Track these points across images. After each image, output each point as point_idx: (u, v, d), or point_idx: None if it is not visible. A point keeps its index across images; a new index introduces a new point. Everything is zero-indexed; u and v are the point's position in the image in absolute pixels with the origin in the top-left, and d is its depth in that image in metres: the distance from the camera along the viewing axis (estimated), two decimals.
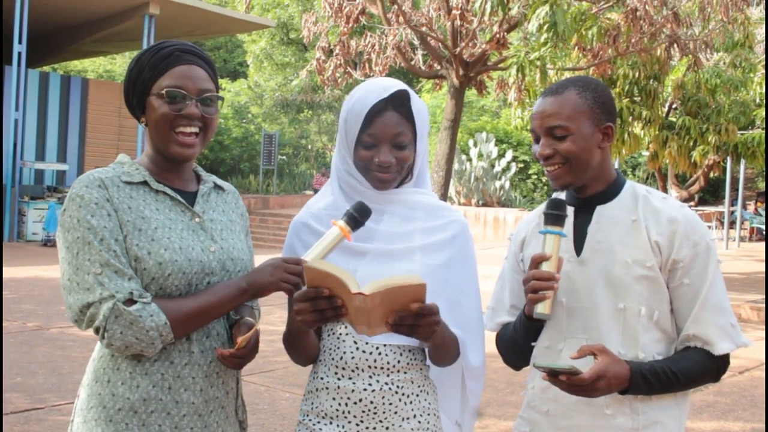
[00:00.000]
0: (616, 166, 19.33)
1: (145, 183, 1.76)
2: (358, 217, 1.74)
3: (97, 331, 1.64)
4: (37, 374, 5.92)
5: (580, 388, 1.69)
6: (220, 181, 1.95)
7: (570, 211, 1.93)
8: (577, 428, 1.85)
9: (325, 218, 1.88)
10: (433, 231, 1.88)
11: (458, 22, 9.63)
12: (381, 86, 1.82)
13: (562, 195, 1.94)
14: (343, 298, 1.58)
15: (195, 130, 1.78)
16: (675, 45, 10.46)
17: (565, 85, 1.87)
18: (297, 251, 1.88)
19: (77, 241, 1.65)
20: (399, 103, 1.82)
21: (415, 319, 1.59)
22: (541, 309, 1.77)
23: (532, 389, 1.98)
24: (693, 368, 1.81)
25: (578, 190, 1.92)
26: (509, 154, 22.30)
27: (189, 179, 1.87)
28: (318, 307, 1.60)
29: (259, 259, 1.79)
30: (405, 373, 1.83)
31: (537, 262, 1.78)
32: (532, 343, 1.96)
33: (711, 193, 25.47)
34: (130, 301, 1.63)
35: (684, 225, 1.82)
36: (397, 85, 1.83)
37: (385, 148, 1.81)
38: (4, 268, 10.93)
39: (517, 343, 1.97)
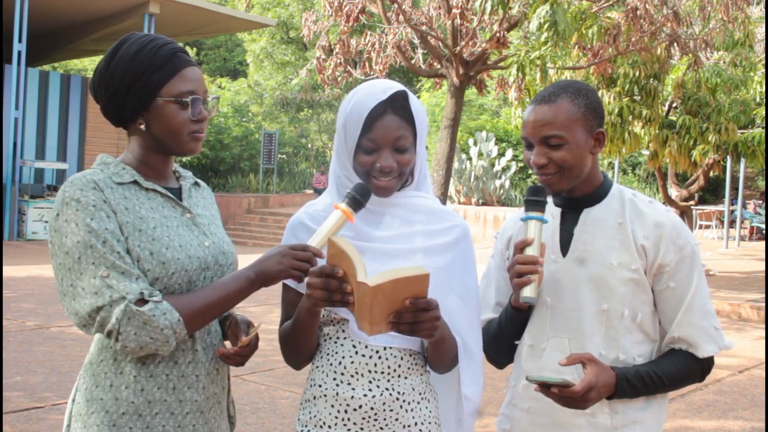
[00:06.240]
0: (616, 165, 19.42)
1: (135, 183, 1.74)
2: (359, 198, 1.71)
3: (109, 334, 1.60)
4: (37, 373, 5.91)
5: (572, 400, 1.71)
6: (195, 178, 1.95)
7: (557, 212, 1.95)
8: (558, 426, 1.88)
9: (321, 218, 1.84)
10: (435, 234, 1.84)
11: (458, 21, 9.63)
12: (379, 89, 1.77)
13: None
14: (352, 284, 1.55)
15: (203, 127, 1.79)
16: (675, 44, 10.47)
17: (556, 92, 1.85)
18: None
19: (78, 246, 1.61)
20: (398, 105, 1.77)
21: (414, 316, 1.56)
22: (527, 293, 1.77)
23: (514, 387, 1.99)
24: (678, 370, 1.84)
25: (567, 191, 1.93)
26: (509, 153, 22.32)
27: (171, 177, 1.85)
28: (329, 287, 1.58)
29: (256, 258, 1.77)
30: (406, 378, 1.78)
31: (520, 247, 1.80)
32: (516, 342, 1.97)
33: (711, 192, 25.48)
34: (141, 301, 1.59)
35: (670, 229, 1.84)
36: (394, 86, 1.78)
37: (386, 152, 1.76)
38: (3, 267, 10.94)
39: (502, 338, 1.98)
